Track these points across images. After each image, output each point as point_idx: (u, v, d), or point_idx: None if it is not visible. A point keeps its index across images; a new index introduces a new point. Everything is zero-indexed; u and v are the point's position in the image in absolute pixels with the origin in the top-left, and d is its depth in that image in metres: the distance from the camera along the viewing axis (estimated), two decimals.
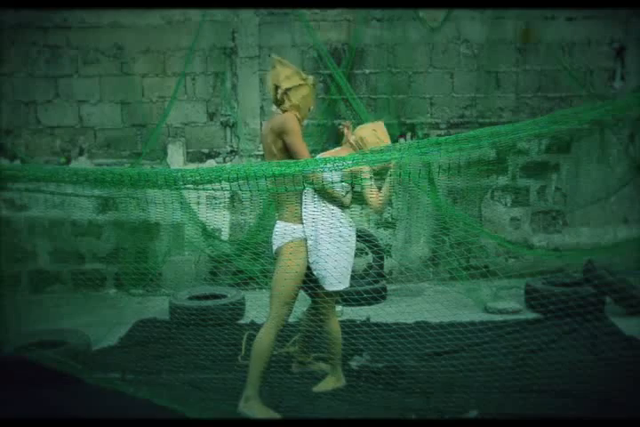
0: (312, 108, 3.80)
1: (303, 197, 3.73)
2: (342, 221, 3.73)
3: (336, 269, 3.69)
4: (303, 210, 3.72)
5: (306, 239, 3.65)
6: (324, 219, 3.68)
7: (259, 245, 5.62)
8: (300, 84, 3.65)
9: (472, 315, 5.28)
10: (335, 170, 3.29)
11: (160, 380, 4.07)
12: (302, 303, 4.04)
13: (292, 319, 4.01)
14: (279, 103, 3.69)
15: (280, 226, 3.67)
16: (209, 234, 6.18)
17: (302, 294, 3.84)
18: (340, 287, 3.78)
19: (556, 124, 3.21)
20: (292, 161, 3.28)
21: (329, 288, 3.76)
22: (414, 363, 4.23)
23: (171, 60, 6.36)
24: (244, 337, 4.64)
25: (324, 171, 3.40)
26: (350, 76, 6.34)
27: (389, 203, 3.84)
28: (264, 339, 3.56)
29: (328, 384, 3.92)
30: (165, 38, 6.32)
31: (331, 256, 3.65)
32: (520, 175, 6.51)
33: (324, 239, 3.66)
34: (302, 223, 3.66)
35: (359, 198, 3.90)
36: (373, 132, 3.88)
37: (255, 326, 4.88)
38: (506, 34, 6.39)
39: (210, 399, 3.71)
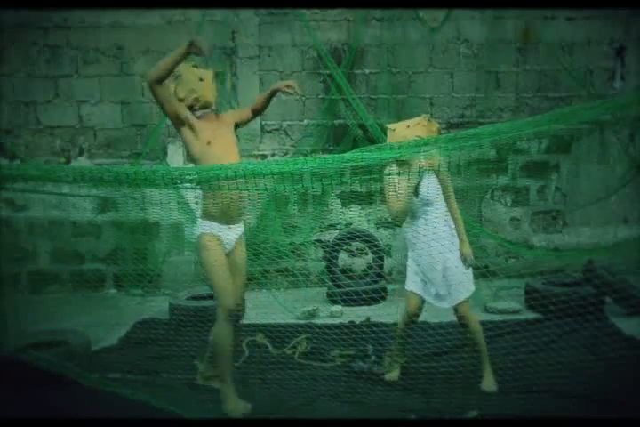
0: (210, 93, 3.65)
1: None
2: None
3: (465, 275, 3.86)
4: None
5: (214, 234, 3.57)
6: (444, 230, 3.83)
7: (258, 246, 5.61)
8: (177, 76, 3.62)
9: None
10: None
11: (159, 380, 4.07)
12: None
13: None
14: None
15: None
16: None
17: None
18: (472, 291, 3.92)
19: (555, 122, 3.21)
20: (292, 159, 3.28)
21: (466, 294, 3.88)
22: (414, 363, 4.23)
23: None
24: (244, 342, 4.63)
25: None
26: (350, 76, 6.33)
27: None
28: (218, 330, 3.60)
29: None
30: (165, 38, 6.29)
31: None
32: (520, 175, 6.51)
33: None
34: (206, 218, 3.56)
35: (358, 198, 3.89)
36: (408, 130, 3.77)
37: (254, 327, 4.87)
38: (506, 34, 6.38)
39: (209, 400, 3.70)
